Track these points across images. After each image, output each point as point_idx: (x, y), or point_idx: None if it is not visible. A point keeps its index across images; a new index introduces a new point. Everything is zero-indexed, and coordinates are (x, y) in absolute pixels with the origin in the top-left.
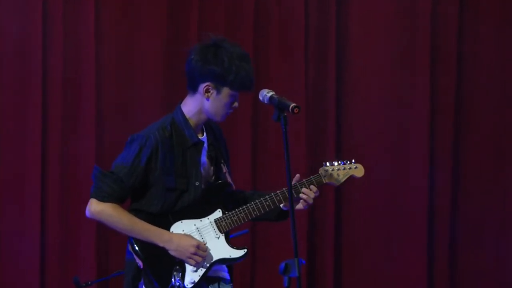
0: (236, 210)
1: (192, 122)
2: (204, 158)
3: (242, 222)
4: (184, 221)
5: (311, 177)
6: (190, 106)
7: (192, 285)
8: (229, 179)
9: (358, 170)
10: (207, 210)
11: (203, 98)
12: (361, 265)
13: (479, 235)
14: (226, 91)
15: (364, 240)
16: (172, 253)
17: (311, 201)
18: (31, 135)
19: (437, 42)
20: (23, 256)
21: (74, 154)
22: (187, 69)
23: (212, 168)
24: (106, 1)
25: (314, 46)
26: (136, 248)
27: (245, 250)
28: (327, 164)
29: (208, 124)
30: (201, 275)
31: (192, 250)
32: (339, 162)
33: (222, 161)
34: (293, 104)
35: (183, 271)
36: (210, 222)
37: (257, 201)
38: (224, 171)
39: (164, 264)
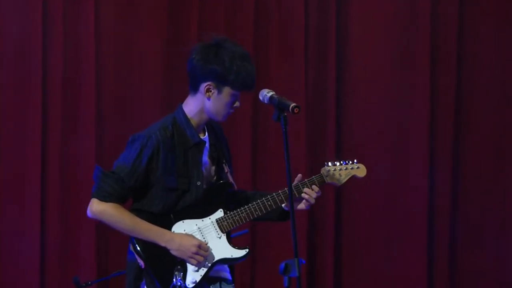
0: (238, 210)
1: (194, 122)
2: (205, 158)
3: (244, 222)
4: (185, 221)
5: (313, 177)
6: (192, 106)
7: (194, 285)
8: (230, 179)
9: (360, 170)
10: (208, 210)
11: (204, 98)
12: (361, 265)
13: (479, 235)
14: (227, 90)
15: (364, 240)
16: (173, 252)
17: (313, 201)
18: (31, 135)
19: (437, 42)
20: (23, 256)
21: (74, 154)
22: (188, 68)
23: (213, 168)
24: (106, 1)
25: (314, 46)
26: (138, 248)
27: (247, 250)
28: (329, 164)
29: (210, 124)
30: (202, 275)
31: (194, 249)
32: (341, 162)
33: (224, 161)
34: (293, 104)
35: (184, 271)
36: (212, 222)
37: (258, 201)
38: (226, 171)
39: (166, 264)
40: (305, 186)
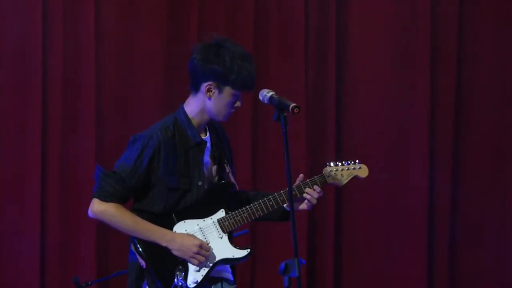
0: (239, 210)
1: (195, 122)
2: (207, 158)
3: (245, 222)
4: (187, 221)
5: (315, 177)
6: (193, 106)
7: (195, 285)
8: (232, 179)
9: (362, 171)
10: (210, 210)
11: (205, 98)
12: (361, 265)
13: (479, 235)
14: (228, 90)
15: (364, 240)
16: (175, 252)
17: (314, 201)
18: (31, 135)
19: (437, 42)
20: (23, 256)
21: (74, 154)
22: (189, 68)
23: (215, 168)
24: (106, 1)
25: (314, 46)
26: (139, 248)
27: (249, 250)
28: (331, 164)
29: (212, 124)
30: (204, 275)
31: (195, 249)
32: (343, 162)
33: (226, 161)
34: (293, 104)
35: (186, 271)
36: (213, 222)
37: (260, 201)
38: (228, 171)
39: (167, 264)
40: (307, 187)
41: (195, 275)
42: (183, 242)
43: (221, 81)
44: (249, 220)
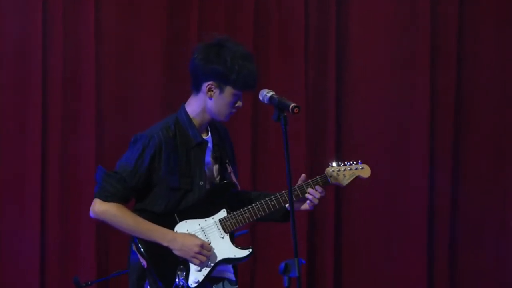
0: (241, 210)
1: (196, 121)
2: (208, 158)
3: (247, 222)
4: (188, 220)
5: (317, 177)
6: (194, 106)
7: (196, 284)
8: (234, 179)
9: (364, 171)
10: (211, 210)
11: (206, 97)
12: (361, 265)
13: (479, 235)
14: (229, 90)
15: (364, 240)
16: (176, 252)
17: (316, 202)
18: (31, 135)
19: (437, 42)
20: (23, 256)
21: (74, 154)
22: (190, 68)
23: (216, 168)
24: (106, 1)
25: (314, 46)
26: (140, 248)
27: (250, 249)
28: (333, 164)
29: (213, 124)
30: (205, 274)
31: (196, 249)
32: (345, 162)
33: (227, 161)
34: (293, 104)
35: (187, 271)
36: (215, 222)
37: (262, 201)
38: (229, 171)
39: (168, 264)
40: (309, 187)
41: (196, 275)
42: (185, 242)
43: (222, 81)
44: (251, 220)
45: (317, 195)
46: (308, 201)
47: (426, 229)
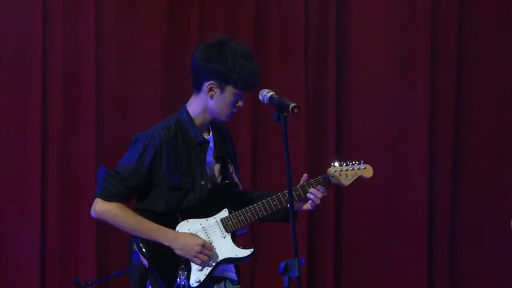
0: (243, 209)
1: (197, 121)
2: (209, 158)
3: (249, 221)
4: (190, 220)
5: (319, 177)
6: (195, 106)
7: (198, 284)
8: (235, 179)
9: (366, 171)
10: (213, 210)
11: (207, 97)
12: (361, 265)
13: (479, 235)
14: (230, 90)
15: (364, 240)
16: (177, 252)
17: (318, 201)
18: (31, 135)
19: (437, 42)
20: (23, 256)
21: (74, 154)
22: (191, 68)
23: (218, 167)
24: (106, 1)
25: (314, 46)
26: (142, 247)
27: (252, 249)
28: (336, 164)
29: (215, 124)
30: (206, 274)
31: (198, 248)
32: (347, 162)
33: (229, 160)
34: (293, 104)
35: (188, 270)
36: (216, 221)
37: (263, 201)
38: (231, 170)
39: (170, 263)
40: (311, 186)
41: (197, 274)
42: (186, 241)
43: (223, 80)
44: (252, 219)
45: (319, 195)
46: (310, 201)
47: (426, 229)
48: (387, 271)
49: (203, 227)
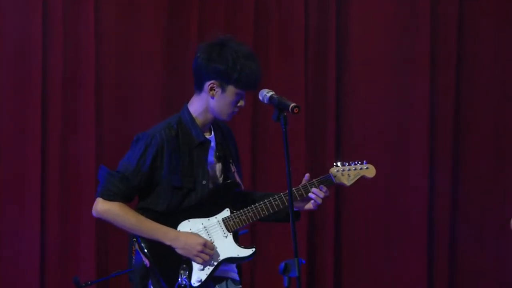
0: (245, 209)
1: (199, 121)
2: (211, 157)
3: (251, 221)
4: (191, 220)
5: (321, 177)
6: (196, 105)
7: (199, 283)
8: (237, 179)
9: (369, 171)
10: (215, 209)
11: (208, 97)
12: (361, 265)
13: (479, 235)
14: (231, 89)
15: (364, 240)
16: (179, 251)
17: (320, 201)
18: (31, 135)
19: (437, 42)
20: (23, 256)
21: (74, 154)
22: (193, 67)
23: (219, 167)
24: (106, 1)
25: (314, 46)
26: (143, 247)
27: (254, 249)
28: (338, 164)
29: (217, 124)
30: (208, 273)
31: (199, 248)
32: (350, 162)
33: (231, 160)
34: (293, 104)
35: (190, 270)
36: (218, 221)
37: (265, 200)
38: (233, 170)
39: (171, 263)
40: (313, 186)
41: (199, 274)
42: (187, 240)
43: (224, 80)
44: (254, 219)
45: (321, 195)
46: (312, 201)
47: (426, 229)
48: (387, 271)
49: (204, 227)
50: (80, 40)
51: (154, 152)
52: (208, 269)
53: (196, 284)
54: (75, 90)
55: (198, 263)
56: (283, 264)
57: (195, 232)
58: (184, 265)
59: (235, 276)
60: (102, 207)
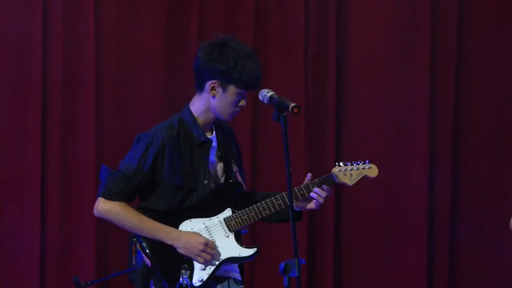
0: (246, 209)
1: (200, 121)
2: (212, 157)
3: (252, 221)
4: (192, 219)
5: (324, 176)
6: (198, 105)
7: (201, 283)
8: (239, 179)
9: (371, 170)
10: (216, 209)
11: (209, 96)
12: (361, 265)
13: (479, 235)
14: (232, 89)
15: (364, 240)
16: (180, 251)
17: (322, 201)
18: (31, 135)
19: (437, 42)
20: (23, 256)
21: (74, 154)
22: (194, 67)
23: (221, 167)
24: (106, 1)
25: (314, 46)
26: (145, 247)
27: (255, 249)
28: (340, 164)
29: (218, 123)
30: (209, 273)
31: (200, 247)
32: (352, 162)
33: (232, 160)
34: (293, 104)
35: (191, 270)
36: (219, 221)
37: (267, 200)
38: (235, 170)
39: (172, 262)
40: (315, 186)
41: (200, 273)
42: (189, 240)
43: (225, 80)
44: (256, 219)
45: (323, 195)
46: (314, 201)
47: (426, 229)
48: (387, 271)
49: (206, 227)
50: (80, 40)
51: (155, 151)
52: (210, 269)
53: (198, 284)
54: (75, 90)
55: (199, 262)
56: (283, 264)
57: (197, 231)
58: (186, 265)
59: (237, 276)
60: (103, 206)
